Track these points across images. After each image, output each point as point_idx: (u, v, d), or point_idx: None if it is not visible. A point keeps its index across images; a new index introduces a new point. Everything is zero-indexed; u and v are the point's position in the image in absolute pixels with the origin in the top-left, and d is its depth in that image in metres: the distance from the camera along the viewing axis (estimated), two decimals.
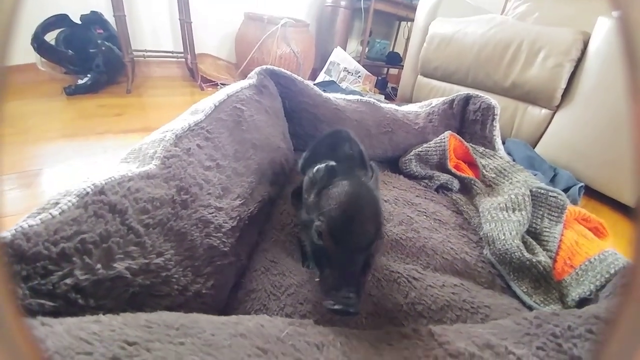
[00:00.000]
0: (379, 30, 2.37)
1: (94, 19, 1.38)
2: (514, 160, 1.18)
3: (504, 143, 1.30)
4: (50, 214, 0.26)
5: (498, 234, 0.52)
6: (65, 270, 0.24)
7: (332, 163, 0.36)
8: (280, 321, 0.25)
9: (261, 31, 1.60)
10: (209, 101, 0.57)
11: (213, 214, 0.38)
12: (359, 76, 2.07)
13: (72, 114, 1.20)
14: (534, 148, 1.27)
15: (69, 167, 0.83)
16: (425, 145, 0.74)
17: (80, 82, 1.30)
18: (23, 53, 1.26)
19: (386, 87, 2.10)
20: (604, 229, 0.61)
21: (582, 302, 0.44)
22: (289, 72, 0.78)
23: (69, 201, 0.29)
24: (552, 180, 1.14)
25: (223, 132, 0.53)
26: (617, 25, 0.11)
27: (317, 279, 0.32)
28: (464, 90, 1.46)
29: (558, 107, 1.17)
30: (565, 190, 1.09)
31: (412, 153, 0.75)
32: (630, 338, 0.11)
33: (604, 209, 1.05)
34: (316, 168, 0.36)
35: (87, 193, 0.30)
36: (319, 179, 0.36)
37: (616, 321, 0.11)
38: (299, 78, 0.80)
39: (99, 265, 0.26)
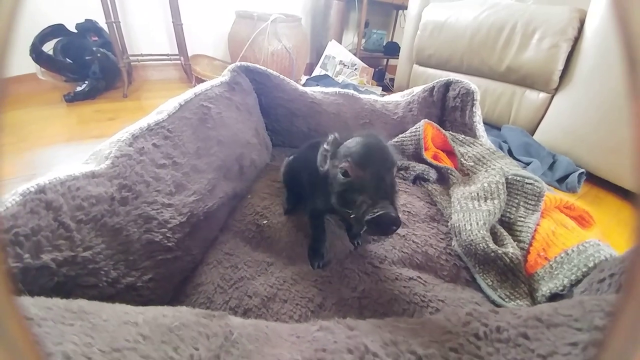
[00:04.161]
0: (376, 21, 2.31)
1: (89, 27, 1.42)
2: (509, 148, 1.14)
3: (499, 130, 1.26)
4: None
5: (465, 224, 0.51)
6: None
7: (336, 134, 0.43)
8: (187, 312, 0.25)
9: (252, 29, 1.60)
10: (175, 101, 0.58)
11: (158, 210, 0.39)
12: (356, 69, 2.03)
13: (70, 120, 1.25)
14: (533, 134, 1.21)
15: None
16: (401, 135, 0.72)
17: (78, 89, 1.35)
18: (23, 64, 1.31)
19: (384, 78, 2.05)
20: (590, 218, 0.57)
21: (554, 298, 0.41)
22: (263, 68, 0.78)
23: (14, 199, 0.31)
24: (551, 167, 1.09)
25: (185, 130, 0.54)
26: (617, 24, 0.10)
27: (352, 215, 0.34)
28: (460, 78, 1.44)
29: (556, 90, 1.10)
30: (565, 177, 1.03)
31: (388, 144, 0.73)
32: (632, 338, 0.10)
33: (607, 196, 0.99)
34: (326, 141, 0.43)
35: (30, 192, 0.32)
36: (331, 144, 0.42)
37: (617, 320, 0.10)
38: (275, 73, 0.79)
39: (27, 255, 0.28)
